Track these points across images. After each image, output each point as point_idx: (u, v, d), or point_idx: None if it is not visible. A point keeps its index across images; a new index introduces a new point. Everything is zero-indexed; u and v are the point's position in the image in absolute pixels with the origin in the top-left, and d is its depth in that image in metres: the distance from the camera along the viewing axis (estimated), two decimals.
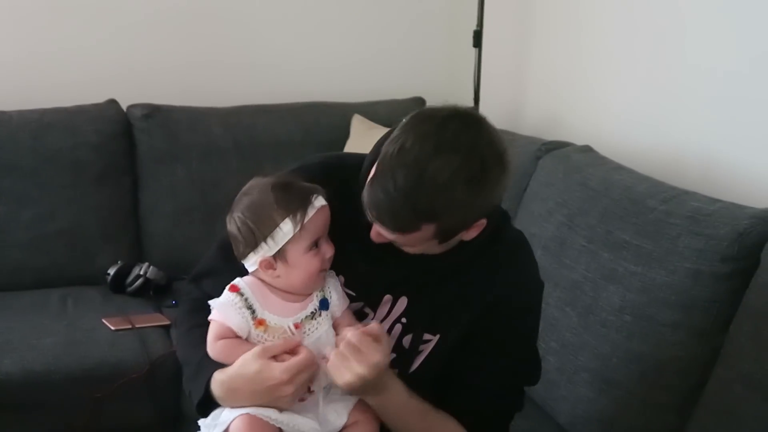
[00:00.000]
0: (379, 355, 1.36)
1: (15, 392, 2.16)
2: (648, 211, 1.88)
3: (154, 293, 2.68)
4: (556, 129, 2.78)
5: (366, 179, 1.34)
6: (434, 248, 1.38)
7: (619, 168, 2.17)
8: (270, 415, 1.38)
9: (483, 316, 1.47)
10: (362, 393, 1.42)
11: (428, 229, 1.31)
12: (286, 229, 1.39)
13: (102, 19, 3.06)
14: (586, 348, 1.91)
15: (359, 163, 1.44)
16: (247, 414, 1.38)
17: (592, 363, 1.89)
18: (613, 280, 1.88)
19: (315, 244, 1.43)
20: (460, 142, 1.26)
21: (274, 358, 1.39)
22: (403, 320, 1.48)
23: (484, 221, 1.35)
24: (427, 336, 1.49)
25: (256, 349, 1.40)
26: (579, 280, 1.98)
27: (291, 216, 1.39)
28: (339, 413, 1.44)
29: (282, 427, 1.39)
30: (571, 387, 1.93)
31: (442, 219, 1.29)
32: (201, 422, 1.48)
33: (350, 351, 1.36)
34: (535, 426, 1.94)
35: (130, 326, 2.42)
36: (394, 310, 1.49)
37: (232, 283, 1.46)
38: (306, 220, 1.40)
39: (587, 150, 2.34)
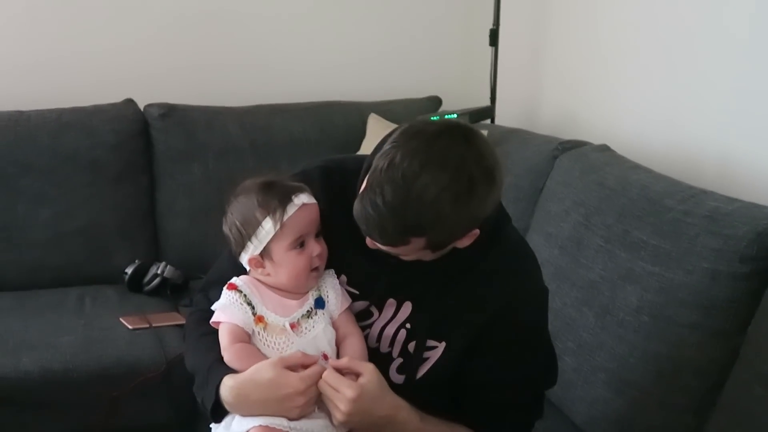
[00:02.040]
0: (351, 391, 1.37)
1: (33, 391, 2.17)
2: (666, 210, 1.87)
3: (171, 292, 2.68)
4: (573, 128, 2.77)
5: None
6: (427, 256, 1.39)
7: (637, 167, 2.15)
8: (282, 423, 1.39)
9: (488, 327, 1.47)
10: (365, 428, 1.42)
11: (418, 242, 1.32)
12: (268, 227, 1.43)
13: (119, 19, 3.08)
14: (603, 348, 1.90)
15: (359, 166, 1.45)
16: (261, 426, 1.38)
17: (609, 363, 1.88)
18: (631, 280, 1.87)
19: (300, 243, 1.44)
20: (448, 160, 1.27)
21: (290, 368, 1.40)
22: (408, 326, 1.49)
23: (476, 231, 1.36)
24: (431, 342, 1.48)
25: (272, 359, 1.41)
26: (596, 280, 1.97)
27: (271, 214, 1.42)
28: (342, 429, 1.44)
29: None
30: (587, 387, 1.92)
31: (429, 234, 1.31)
32: (213, 426, 1.49)
33: (329, 391, 1.39)
34: (551, 426, 1.92)
35: (147, 325, 2.43)
36: (398, 315, 1.49)
37: (229, 282, 1.48)
38: (286, 218, 1.42)
39: (604, 149, 2.33)
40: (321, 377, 1.39)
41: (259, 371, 1.40)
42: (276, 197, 1.44)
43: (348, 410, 1.37)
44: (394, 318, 1.50)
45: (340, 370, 1.41)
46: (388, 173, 1.27)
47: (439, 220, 1.28)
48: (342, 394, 1.37)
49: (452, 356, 1.48)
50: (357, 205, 1.32)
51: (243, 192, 1.48)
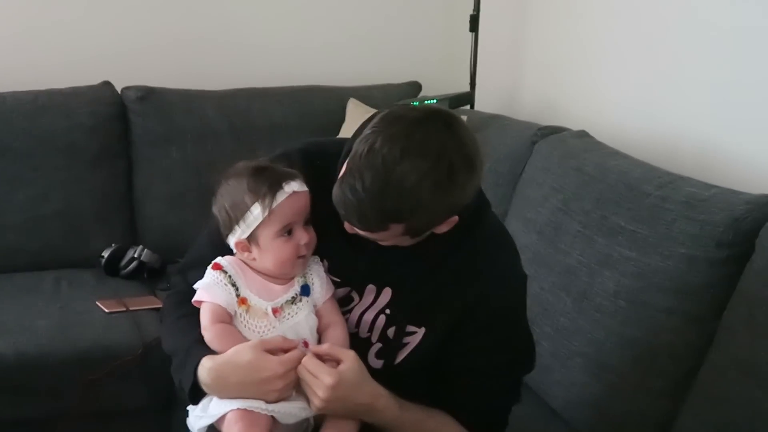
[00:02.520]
0: (330, 377, 1.37)
1: (8, 374, 2.16)
2: (643, 196, 1.88)
3: (148, 276, 2.67)
4: (553, 114, 2.78)
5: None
6: (406, 241, 1.39)
7: (615, 153, 2.16)
8: (260, 405, 1.38)
9: (467, 312, 1.47)
10: (344, 414, 1.43)
11: (396, 228, 1.32)
12: (256, 213, 1.42)
13: (97, 0, 3.04)
14: (580, 333, 1.91)
15: (340, 149, 1.45)
16: (240, 409, 1.38)
17: (586, 348, 1.89)
18: (608, 265, 1.88)
19: (288, 231, 1.43)
20: (429, 147, 1.26)
21: (270, 352, 1.39)
22: (387, 311, 1.49)
23: (455, 218, 1.36)
24: (411, 328, 1.48)
25: (253, 341, 1.41)
26: (574, 265, 1.98)
27: (260, 200, 1.41)
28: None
29: (275, 416, 1.39)
30: (565, 372, 1.93)
31: (408, 220, 1.31)
32: (190, 408, 1.48)
33: (307, 377, 1.38)
34: (528, 411, 1.92)
35: (124, 309, 2.42)
36: (378, 301, 1.49)
37: (214, 261, 1.47)
38: (274, 205, 1.41)
39: (583, 135, 2.33)
40: (299, 362, 1.39)
41: (239, 353, 1.39)
42: (266, 183, 1.42)
43: (326, 396, 1.37)
44: (373, 304, 1.50)
45: (320, 357, 1.41)
46: (368, 159, 1.26)
47: (419, 207, 1.28)
48: (320, 380, 1.37)
49: (432, 341, 1.48)
50: (336, 190, 1.31)
51: (234, 175, 1.46)
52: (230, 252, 1.50)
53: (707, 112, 2.18)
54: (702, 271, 1.70)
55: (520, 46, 3.05)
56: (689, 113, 2.24)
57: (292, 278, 1.48)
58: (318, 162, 1.50)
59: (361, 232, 1.35)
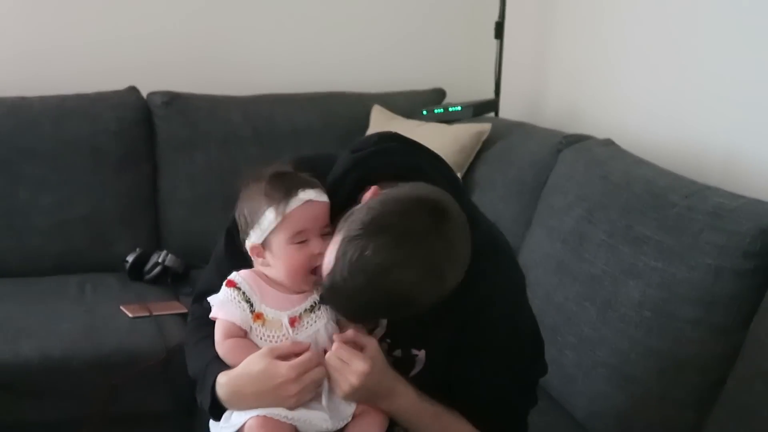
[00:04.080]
0: (362, 363, 1.38)
1: (33, 377, 2.17)
2: (669, 205, 1.86)
3: (172, 281, 2.68)
4: (577, 122, 2.76)
5: (334, 189, 1.44)
6: None
7: (641, 162, 2.15)
8: (281, 413, 1.38)
9: (467, 325, 1.46)
10: (367, 400, 1.43)
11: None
12: (270, 217, 1.41)
13: (124, 6, 3.07)
14: (604, 343, 1.90)
15: (330, 166, 1.47)
16: (260, 416, 1.38)
17: (611, 358, 1.87)
18: (633, 275, 1.87)
19: (303, 240, 1.42)
20: (417, 257, 1.27)
21: (282, 359, 1.39)
22: (388, 340, 1.49)
23: None
24: (414, 351, 1.49)
25: (263, 350, 1.40)
26: (598, 274, 1.96)
27: (275, 205, 1.41)
28: (348, 401, 1.44)
29: (295, 424, 1.39)
30: (588, 382, 1.92)
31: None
32: (211, 424, 1.48)
33: (338, 364, 1.39)
34: (551, 421, 1.93)
35: (147, 314, 2.43)
36: (375, 331, 1.48)
37: (228, 278, 1.46)
38: (287, 211, 1.40)
39: (608, 143, 2.32)
40: (312, 364, 1.38)
41: (250, 364, 1.39)
42: (282, 189, 1.42)
43: (360, 383, 1.37)
44: (372, 333, 1.49)
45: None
46: (359, 265, 1.27)
47: (411, 306, 1.31)
48: (353, 366, 1.37)
49: (435, 360, 1.49)
50: (325, 284, 1.33)
51: (255, 179, 1.46)
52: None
53: (734, 120, 2.16)
54: (729, 282, 1.68)
55: (545, 53, 3.04)
56: (716, 122, 2.22)
57: (301, 291, 1.46)
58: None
59: None
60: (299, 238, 1.42)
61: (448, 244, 1.30)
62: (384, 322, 1.49)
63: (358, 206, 1.35)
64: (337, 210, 1.42)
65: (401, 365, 1.48)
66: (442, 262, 1.29)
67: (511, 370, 1.50)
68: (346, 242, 1.29)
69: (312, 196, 1.43)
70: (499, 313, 1.47)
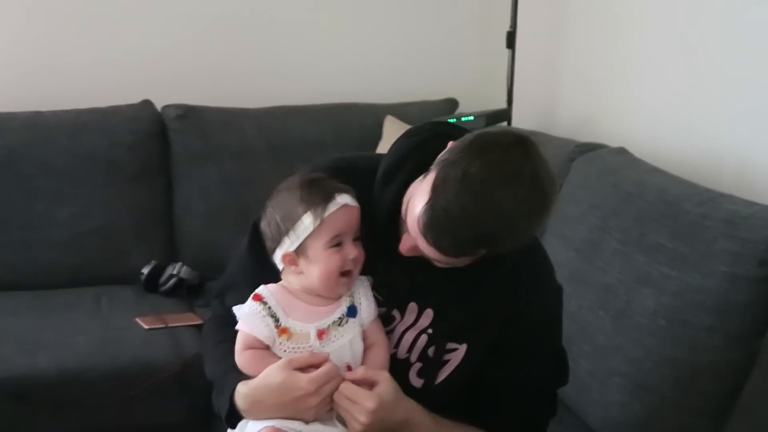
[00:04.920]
0: (370, 402, 1.36)
1: (49, 389, 2.18)
2: (683, 213, 1.86)
3: (187, 293, 2.69)
4: (590, 130, 2.76)
5: (383, 184, 1.41)
6: (465, 262, 1.38)
7: (654, 170, 2.14)
8: (295, 427, 1.38)
9: (506, 327, 1.47)
10: None
11: (481, 253, 1.32)
12: (307, 222, 1.41)
13: (137, 21, 3.09)
14: (619, 352, 1.89)
15: (371, 166, 1.45)
16: (272, 426, 1.38)
17: (625, 367, 1.87)
18: (648, 283, 1.86)
19: (338, 243, 1.43)
20: (525, 173, 1.26)
21: (300, 370, 1.39)
22: (429, 331, 1.48)
23: None
24: (452, 345, 1.48)
25: (281, 361, 1.40)
26: (612, 283, 1.96)
27: (312, 210, 1.41)
28: None
29: None
30: (603, 391, 1.91)
31: (499, 245, 1.30)
32: None
33: (345, 403, 1.38)
34: (566, 430, 1.92)
35: (163, 325, 2.44)
36: (420, 322, 1.48)
37: (255, 291, 1.46)
38: (326, 215, 1.41)
39: (621, 152, 2.32)
40: (331, 376, 1.38)
41: (269, 375, 1.39)
42: (319, 194, 1.42)
43: (368, 421, 1.36)
44: (415, 323, 1.49)
45: (356, 382, 1.40)
46: (464, 183, 1.25)
47: (513, 232, 1.28)
48: (361, 405, 1.37)
49: (474, 357, 1.48)
50: (423, 216, 1.29)
51: (286, 187, 1.46)
52: (263, 272, 1.49)
53: (747, 127, 2.15)
54: (743, 290, 1.68)
55: (557, 62, 3.04)
56: (729, 129, 2.21)
57: (335, 298, 1.46)
58: (347, 179, 1.49)
59: (439, 258, 1.34)
60: (335, 242, 1.42)
61: (547, 169, 1.29)
62: (413, 305, 1.47)
63: (447, 149, 1.33)
64: (397, 196, 1.40)
65: (429, 369, 1.48)
66: (545, 183, 1.28)
67: (540, 375, 1.51)
68: (446, 166, 1.28)
69: (348, 200, 1.43)
70: (542, 317, 1.49)
